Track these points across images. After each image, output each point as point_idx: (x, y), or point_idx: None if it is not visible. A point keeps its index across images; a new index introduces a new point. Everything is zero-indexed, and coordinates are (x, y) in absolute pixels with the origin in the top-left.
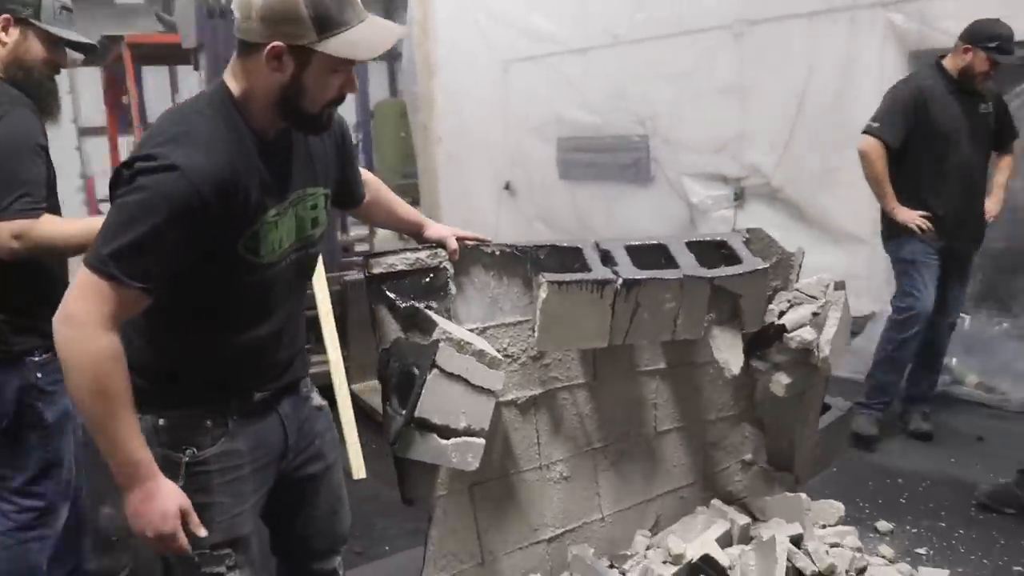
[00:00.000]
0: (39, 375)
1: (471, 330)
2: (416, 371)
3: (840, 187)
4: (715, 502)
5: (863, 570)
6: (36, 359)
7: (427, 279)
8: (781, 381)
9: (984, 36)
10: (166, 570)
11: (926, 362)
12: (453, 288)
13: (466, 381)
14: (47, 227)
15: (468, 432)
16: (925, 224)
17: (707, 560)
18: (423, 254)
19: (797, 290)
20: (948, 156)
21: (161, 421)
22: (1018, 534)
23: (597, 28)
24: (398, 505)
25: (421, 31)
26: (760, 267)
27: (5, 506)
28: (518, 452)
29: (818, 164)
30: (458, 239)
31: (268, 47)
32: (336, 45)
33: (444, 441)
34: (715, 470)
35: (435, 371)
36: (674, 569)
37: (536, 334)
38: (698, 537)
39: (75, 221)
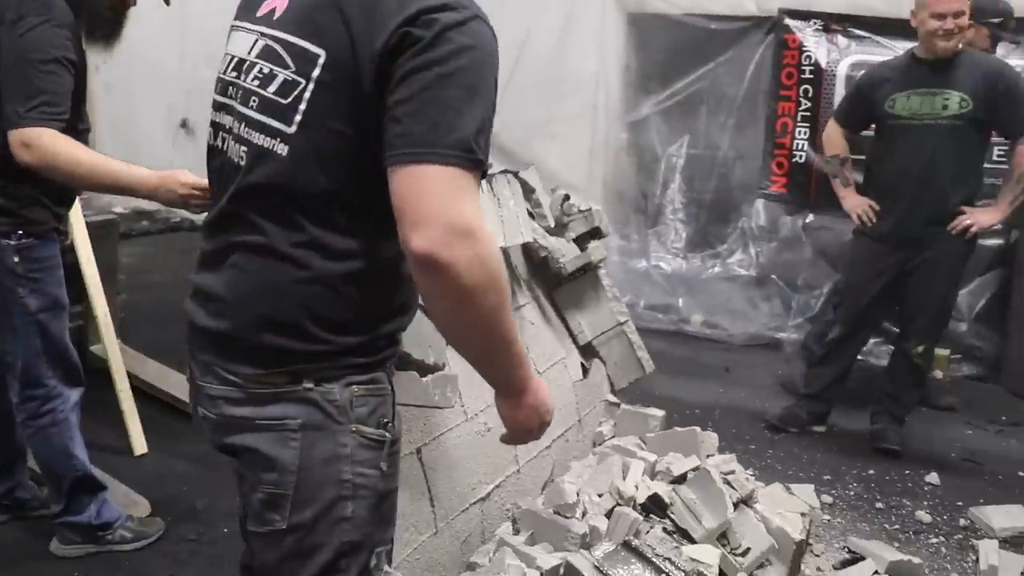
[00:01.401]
0: (16, 259)
1: None
2: None
3: (556, 138)
4: (614, 443)
5: (754, 491)
6: (12, 242)
7: None
8: (598, 245)
9: (987, 12)
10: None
11: None
12: None
13: (424, 309)
14: (59, 143)
15: (435, 367)
16: None
17: (654, 499)
18: None
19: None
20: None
21: (356, 389)
22: (808, 447)
23: None
24: (203, 479)
25: None
26: (529, 164)
27: (14, 396)
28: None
29: (534, 113)
30: None
31: None
32: None
33: (423, 379)
34: (585, 413)
35: None
36: (631, 510)
37: None
38: (629, 477)
39: (89, 151)
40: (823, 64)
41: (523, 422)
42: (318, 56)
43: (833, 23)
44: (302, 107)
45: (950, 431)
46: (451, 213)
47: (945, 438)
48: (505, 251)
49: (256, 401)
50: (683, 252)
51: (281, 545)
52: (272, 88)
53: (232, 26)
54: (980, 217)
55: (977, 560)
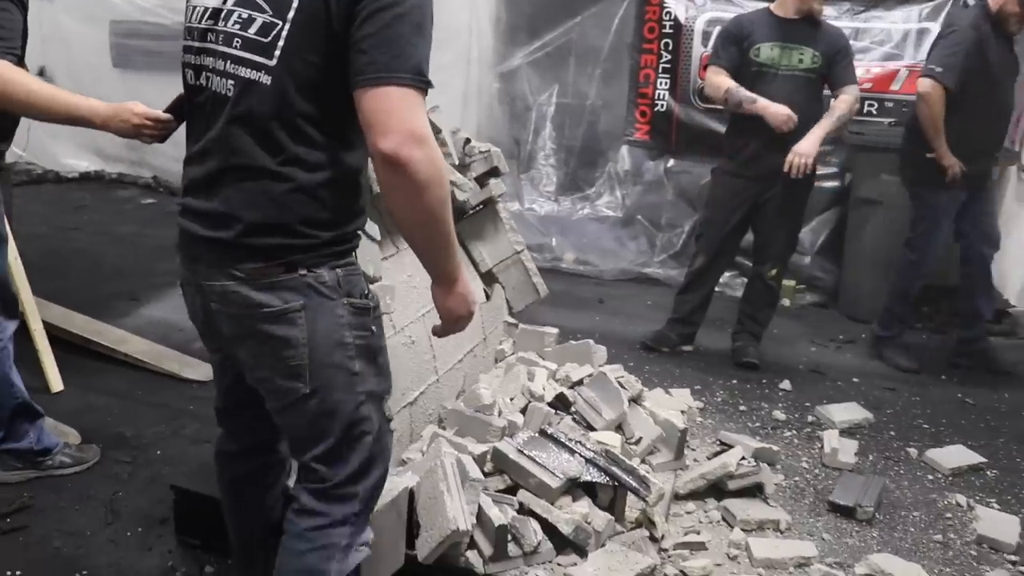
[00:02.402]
0: None
1: None
2: None
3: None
4: (520, 355)
5: (641, 393)
6: None
7: None
8: (498, 182)
9: None
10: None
11: (980, 286)
12: None
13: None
14: (14, 73)
15: (373, 279)
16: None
17: (560, 398)
18: None
19: None
20: (995, 98)
21: (340, 272)
22: (680, 364)
23: None
24: (125, 410)
25: None
26: (435, 106)
27: None
28: None
29: None
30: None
31: None
32: None
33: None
34: (489, 332)
35: None
36: (542, 405)
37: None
38: (534, 381)
39: (42, 82)
40: (682, 20)
41: (454, 308)
42: (292, 1)
43: None
44: (281, 43)
45: (797, 349)
46: (410, 124)
47: (794, 354)
48: None
49: (264, 290)
50: (554, 195)
51: (308, 409)
52: (253, 29)
53: None
54: (800, 148)
55: (823, 447)
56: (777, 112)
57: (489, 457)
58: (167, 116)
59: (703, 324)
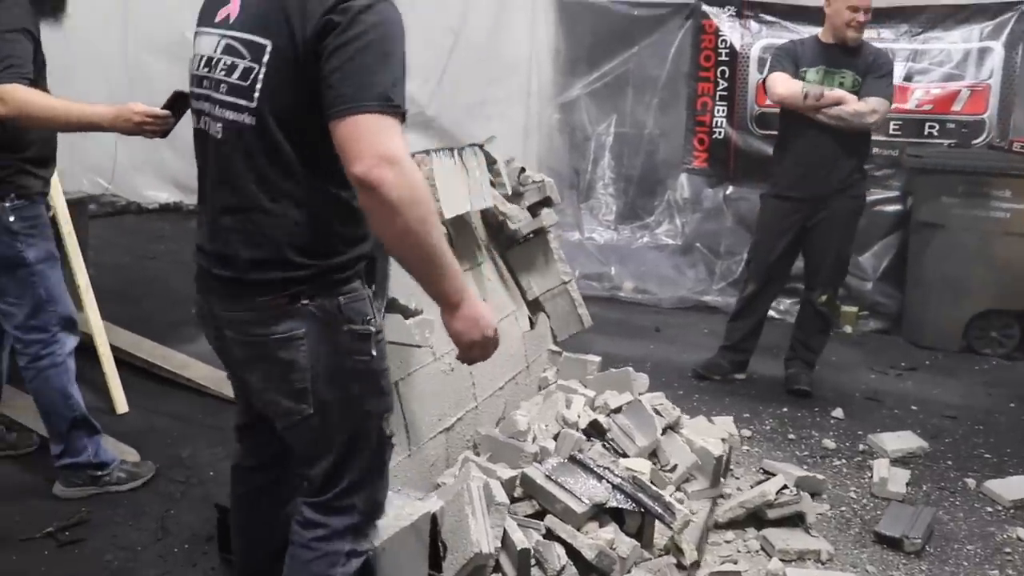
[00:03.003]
0: (11, 218)
1: None
2: (376, 256)
3: (492, 118)
4: (560, 383)
5: (677, 421)
6: (7, 204)
7: None
8: (550, 212)
9: None
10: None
11: None
12: None
13: None
14: (31, 95)
15: (416, 312)
16: None
17: (594, 425)
18: None
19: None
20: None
21: (342, 299)
22: (731, 392)
23: None
24: (184, 433)
25: None
26: (492, 137)
27: (16, 344)
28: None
29: (471, 96)
30: None
31: None
32: None
33: (407, 321)
34: (532, 360)
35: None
36: (575, 431)
37: (440, 202)
38: (572, 409)
39: (58, 99)
40: (737, 47)
41: (464, 332)
42: (265, 46)
43: (746, 9)
44: (259, 86)
45: (855, 376)
46: (378, 147)
47: (851, 381)
48: (468, 215)
49: (270, 321)
50: (614, 224)
51: (310, 428)
52: (236, 75)
53: (196, 32)
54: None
55: (872, 476)
56: (849, 95)
57: (518, 482)
58: (164, 112)
59: (758, 352)
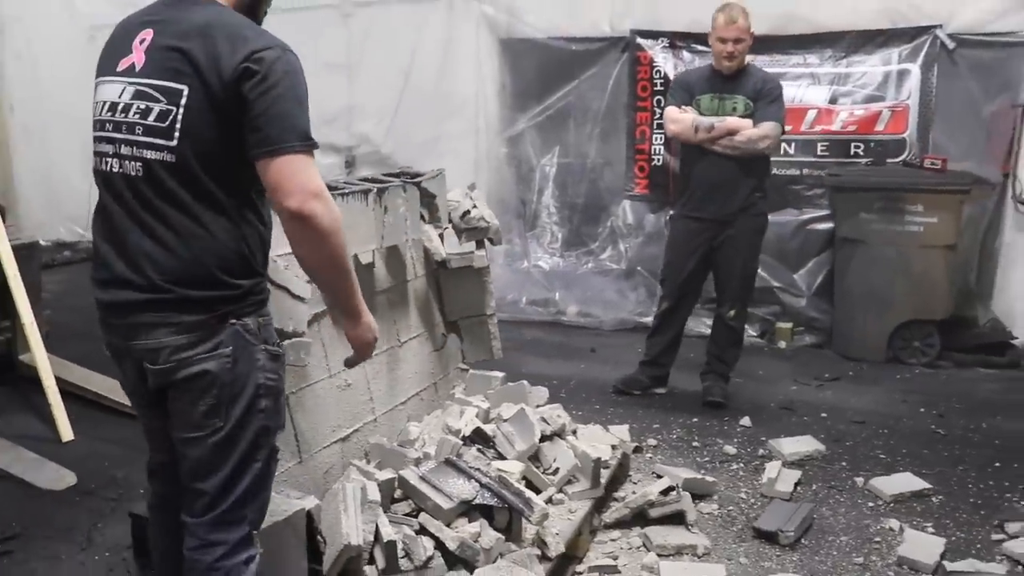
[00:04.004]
0: None
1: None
2: None
3: (444, 154)
4: (457, 396)
5: (574, 431)
6: None
7: None
8: (481, 255)
9: None
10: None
11: None
12: None
13: (288, 290)
14: None
15: (295, 334)
16: None
17: (478, 432)
18: None
19: (448, 200)
20: None
21: (261, 320)
22: (647, 405)
23: None
24: (123, 457)
25: None
26: (439, 170)
27: None
28: (312, 363)
29: (423, 133)
30: None
31: None
32: None
33: (285, 343)
34: (442, 376)
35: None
36: (457, 437)
37: None
38: (461, 418)
39: None
40: (671, 76)
41: (361, 335)
42: (182, 90)
43: (677, 40)
44: (178, 125)
45: (776, 388)
46: (308, 184)
47: (770, 392)
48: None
49: (197, 341)
50: (559, 251)
51: (215, 442)
52: (151, 118)
53: (98, 82)
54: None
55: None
56: (740, 121)
57: (396, 484)
58: None
59: (683, 367)
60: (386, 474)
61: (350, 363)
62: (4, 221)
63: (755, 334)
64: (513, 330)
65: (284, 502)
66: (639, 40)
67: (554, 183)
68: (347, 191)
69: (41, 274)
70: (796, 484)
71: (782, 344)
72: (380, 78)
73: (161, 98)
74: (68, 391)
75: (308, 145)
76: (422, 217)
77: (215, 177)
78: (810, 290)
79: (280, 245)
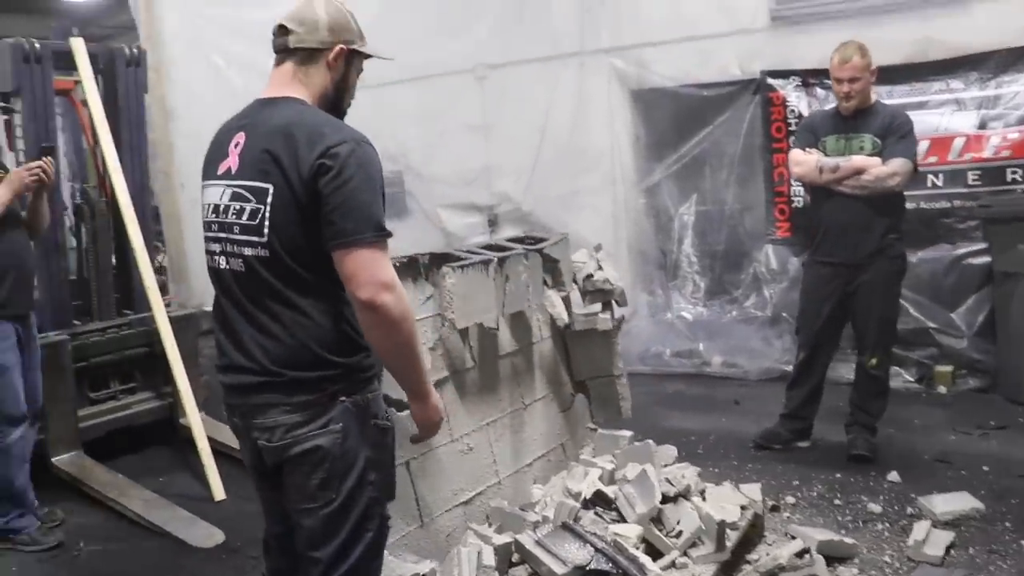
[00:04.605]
0: None
1: None
2: None
3: (583, 208)
4: (582, 457)
5: (703, 491)
6: None
7: None
8: (605, 318)
9: None
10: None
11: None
12: None
13: None
14: None
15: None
16: None
17: (598, 494)
18: None
19: (574, 261)
20: None
21: (370, 396)
22: (787, 460)
23: None
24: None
25: (155, 74)
26: (563, 234)
27: None
28: None
29: (561, 188)
30: None
31: (335, 48)
32: (368, 49)
33: (400, 412)
34: (569, 437)
35: None
36: (577, 500)
37: (452, 315)
38: (583, 480)
39: None
40: (806, 115)
41: (429, 416)
42: (268, 189)
43: (809, 78)
44: (267, 222)
45: (933, 438)
46: (379, 276)
47: (925, 443)
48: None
49: (309, 419)
50: (702, 300)
51: (329, 513)
52: (245, 217)
53: (203, 185)
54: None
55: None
56: (867, 160)
57: (513, 548)
58: (37, 163)
59: (828, 419)
60: (504, 538)
61: (414, 440)
62: (164, 295)
63: (912, 379)
64: (655, 384)
65: (400, 566)
66: (770, 80)
67: (693, 231)
68: (467, 263)
69: (199, 340)
70: (949, 547)
71: (942, 389)
72: (516, 137)
73: (251, 198)
74: (222, 452)
75: (381, 235)
76: (545, 282)
77: (307, 266)
78: (971, 329)
79: None
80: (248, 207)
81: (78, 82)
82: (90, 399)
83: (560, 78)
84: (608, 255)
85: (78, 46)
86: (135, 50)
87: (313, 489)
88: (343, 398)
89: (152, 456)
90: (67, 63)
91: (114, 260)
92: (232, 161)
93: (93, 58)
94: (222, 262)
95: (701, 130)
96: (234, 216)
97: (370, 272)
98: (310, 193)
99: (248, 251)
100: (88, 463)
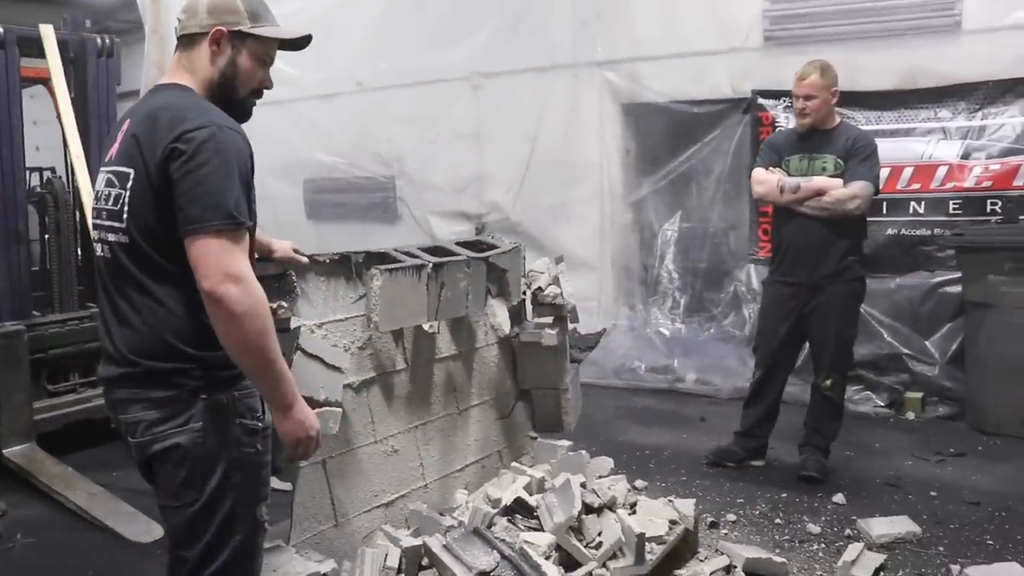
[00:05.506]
0: None
1: (312, 326)
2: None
3: (571, 220)
4: (513, 465)
5: (634, 504)
6: None
7: (275, 284)
8: (551, 333)
9: None
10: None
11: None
12: (298, 291)
13: (321, 360)
14: None
15: (327, 403)
16: None
17: (519, 502)
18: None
19: (531, 270)
20: None
21: (236, 394)
22: (737, 478)
23: (341, 75)
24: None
25: (158, 71)
26: (515, 245)
27: None
28: (356, 429)
29: (549, 199)
30: (295, 251)
31: (212, 31)
32: (263, 30)
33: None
34: (506, 445)
35: (299, 352)
36: (495, 509)
37: (377, 318)
38: (509, 487)
39: None
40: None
41: (291, 431)
42: (129, 173)
43: None
44: (126, 208)
45: (889, 462)
46: (225, 266)
47: (880, 467)
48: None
49: (168, 417)
50: (681, 317)
51: (194, 512)
52: (110, 202)
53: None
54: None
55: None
56: (828, 181)
57: (422, 552)
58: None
59: (788, 437)
60: (413, 541)
61: (287, 459)
62: None
63: (882, 404)
64: (626, 398)
65: (301, 564)
66: (760, 100)
67: (676, 248)
68: (397, 266)
69: None
70: (879, 570)
71: (910, 415)
72: (508, 146)
73: (117, 183)
74: None
75: (231, 224)
76: (489, 291)
77: (164, 253)
78: (943, 357)
79: (319, 315)
80: (113, 192)
81: None
82: (47, 391)
83: (554, 89)
84: (570, 268)
85: (47, 33)
86: (107, 40)
87: (177, 487)
88: (204, 396)
89: (109, 451)
90: (41, 51)
91: (79, 252)
92: (114, 148)
93: (63, 46)
94: (98, 249)
95: (690, 147)
96: (104, 201)
97: (214, 261)
98: (163, 178)
99: (111, 237)
100: (40, 455)
